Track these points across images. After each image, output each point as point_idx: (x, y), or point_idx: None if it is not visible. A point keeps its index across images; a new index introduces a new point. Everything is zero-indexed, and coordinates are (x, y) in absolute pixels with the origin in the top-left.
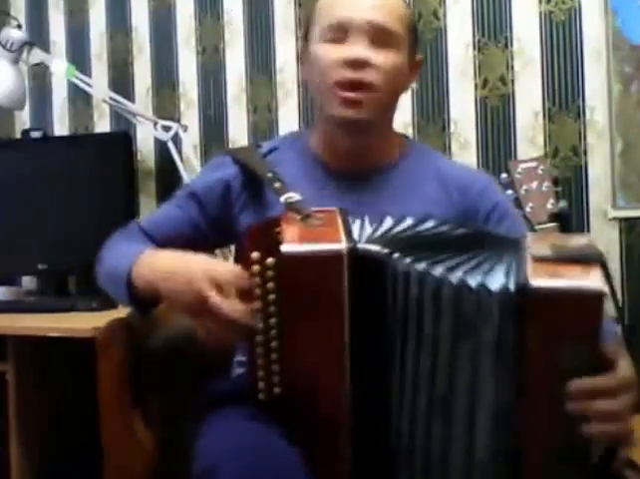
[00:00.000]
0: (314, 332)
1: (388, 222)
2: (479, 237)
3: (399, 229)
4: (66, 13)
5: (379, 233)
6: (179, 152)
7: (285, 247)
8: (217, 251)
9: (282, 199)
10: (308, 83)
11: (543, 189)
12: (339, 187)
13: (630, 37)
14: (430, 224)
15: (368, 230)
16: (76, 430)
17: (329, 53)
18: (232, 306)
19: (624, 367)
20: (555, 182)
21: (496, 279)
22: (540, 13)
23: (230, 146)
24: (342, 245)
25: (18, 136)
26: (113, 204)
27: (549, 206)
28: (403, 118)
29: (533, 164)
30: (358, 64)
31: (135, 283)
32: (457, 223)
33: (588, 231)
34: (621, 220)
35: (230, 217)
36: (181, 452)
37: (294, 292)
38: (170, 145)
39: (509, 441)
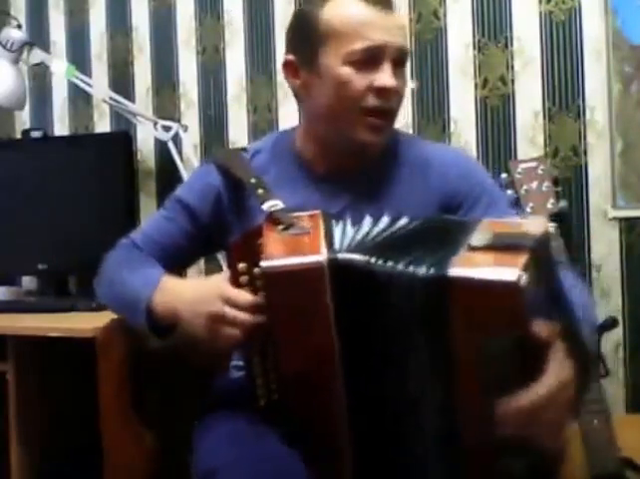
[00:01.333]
0: (303, 341)
1: (367, 223)
2: (439, 227)
3: (376, 230)
4: (66, 13)
5: (359, 237)
6: (180, 152)
7: (265, 263)
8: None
9: (265, 207)
10: (307, 96)
11: (543, 189)
12: (324, 189)
13: (630, 37)
14: (403, 221)
15: (349, 234)
16: (76, 430)
17: (357, 79)
18: (243, 317)
19: (556, 366)
20: (555, 182)
21: (421, 270)
22: (540, 13)
23: (230, 146)
24: (322, 257)
25: (18, 136)
26: (113, 204)
27: (549, 206)
28: (403, 118)
29: (533, 164)
30: (388, 92)
31: (154, 311)
32: (425, 218)
33: (588, 231)
34: (621, 220)
35: (223, 224)
36: (182, 452)
37: (280, 304)
38: (171, 145)
39: (452, 428)
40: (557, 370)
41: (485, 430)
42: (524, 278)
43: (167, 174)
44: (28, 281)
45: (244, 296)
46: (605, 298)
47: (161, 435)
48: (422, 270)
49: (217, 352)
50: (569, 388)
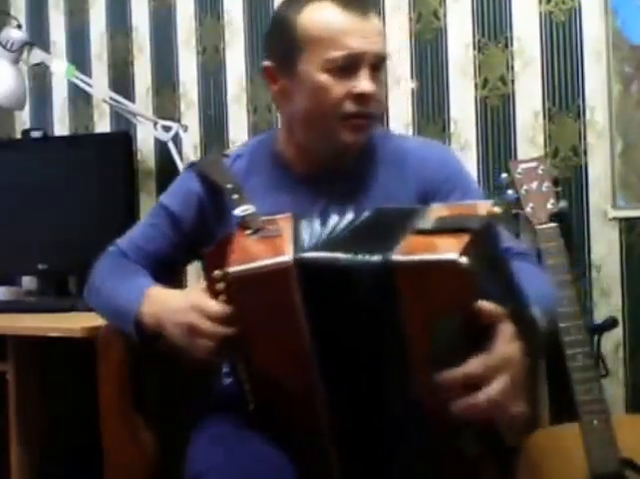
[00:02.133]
0: (277, 342)
1: (332, 221)
2: (393, 217)
3: (340, 226)
4: (66, 13)
5: (324, 235)
6: (180, 152)
7: (232, 268)
8: None
9: (237, 212)
10: (286, 101)
11: (543, 189)
12: (306, 191)
13: (630, 37)
14: (365, 214)
15: (316, 233)
16: (76, 430)
17: (335, 85)
18: (216, 328)
19: (502, 342)
20: (555, 182)
21: (368, 257)
22: (540, 13)
23: (231, 146)
24: (287, 257)
25: (18, 136)
26: (113, 204)
27: (549, 206)
28: (403, 118)
29: (533, 164)
30: (367, 98)
31: (142, 321)
32: (382, 208)
33: (588, 231)
34: (621, 220)
35: (207, 231)
36: (181, 452)
37: (252, 307)
38: (171, 145)
39: (414, 406)
40: (503, 346)
41: (441, 406)
42: (464, 258)
43: (167, 174)
44: (28, 281)
45: (215, 307)
46: (605, 298)
47: (161, 435)
48: (372, 258)
49: (198, 361)
50: (514, 366)
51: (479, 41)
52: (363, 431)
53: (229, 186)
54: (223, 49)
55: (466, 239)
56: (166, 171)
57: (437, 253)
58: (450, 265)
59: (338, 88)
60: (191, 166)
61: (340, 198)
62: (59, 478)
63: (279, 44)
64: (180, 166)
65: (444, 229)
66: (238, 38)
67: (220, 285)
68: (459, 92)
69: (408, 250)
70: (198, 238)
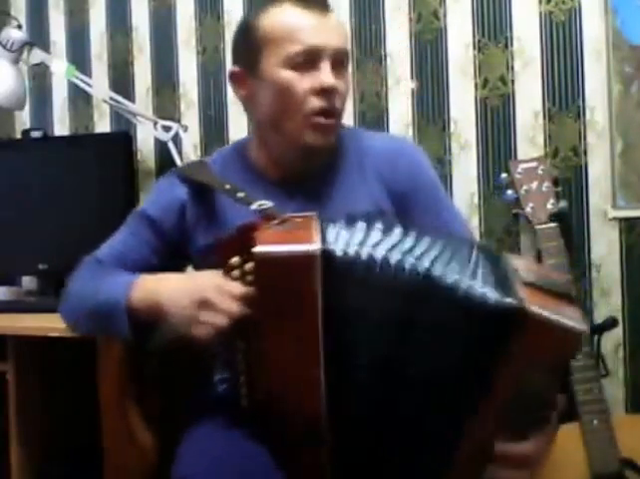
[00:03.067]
0: (289, 332)
1: (360, 226)
2: (457, 246)
3: (370, 232)
4: (66, 13)
5: (353, 237)
6: (180, 152)
7: (258, 248)
8: None
9: (254, 207)
10: (254, 105)
11: (543, 189)
12: (277, 195)
13: (630, 37)
14: (399, 229)
15: (343, 234)
16: (76, 430)
17: (298, 81)
18: (232, 306)
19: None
20: (555, 182)
21: (488, 292)
22: (540, 13)
23: None
24: (316, 246)
25: (18, 136)
26: (113, 204)
27: (549, 206)
28: (403, 118)
29: (533, 164)
30: (331, 92)
31: (135, 309)
32: (424, 230)
33: (588, 231)
34: (621, 220)
35: (186, 236)
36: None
37: (269, 292)
38: (171, 145)
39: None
40: (552, 434)
41: (479, 460)
42: (585, 328)
43: None
44: (28, 281)
45: (237, 287)
46: (605, 298)
47: (161, 435)
48: (493, 296)
49: (196, 344)
50: (548, 451)
51: (479, 41)
52: (364, 444)
53: (227, 186)
54: (223, 49)
55: (578, 306)
56: (166, 171)
57: (567, 318)
58: (576, 333)
59: (301, 83)
60: (172, 172)
61: (311, 200)
62: (59, 478)
63: (243, 48)
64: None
65: (554, 290)
66: None
67: (237, 272)
68: (459, 92)
69: (538, 304)
70: (179, 244)
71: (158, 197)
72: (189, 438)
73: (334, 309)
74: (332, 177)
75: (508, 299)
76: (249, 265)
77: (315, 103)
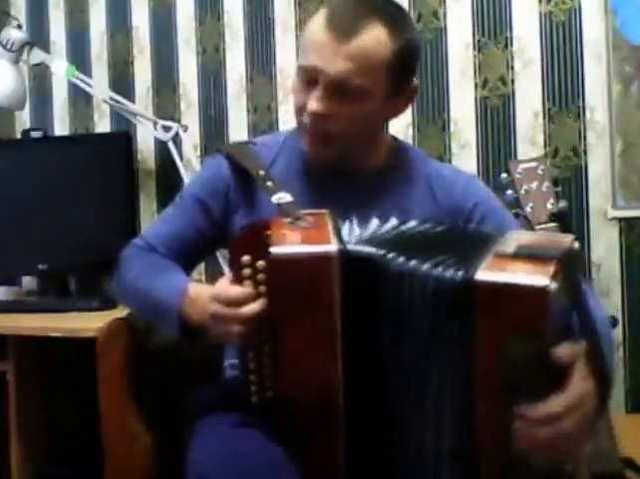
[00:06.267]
0: (306, 333)
1: (374, 223)
2: (456, 234)
3: (384, 229)
4: (66, 13)
5: (367, 234)
6: (180, 152)
7: (275, 249)
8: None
9: (274, 199)
10: None
11: (543, 189)
12: (325, 187)
13: (630, 37)
14: (412, 223)
15: (356, 231)
16: (76, 430)
17: (299, 92)
18: (236, 312)
19: (578, 381)
20: (555, 182)
21: (449, 272)
22: (540, 13)
23: None
24: (332, 247)
25: (18, 136)
26: (113, 203)
27: (549, 206)
28: (403, 118)
29: (533, 164)
30: (314, 116)
31: (187, 322)
32: (436, 221)
33: (588, 231)
34: (621, 220)
35: (229, 220)
36: (181, 452)
37: (285, 295)
38: (171, 145)
39: (466, 439)
40: (578, 386)
41: (499, 439)
42: (553, 286)
43: (167, 174)
44: (28, 281)
45: (231, 291)
46: (605, 298)
47: (161, 435)
48: (448, 272)
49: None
50: (588, 405)
51: (478, 41)
52: (378, 445)
53: (262, 172)
54: (223, 49)
55: (553, 267)
56: (166, 171)
57: (527, 278)
58: (539, 292)
59: (300, 96)
60: (220, 151)
61: (355, 200)
62: (59, 478)
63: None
64: (181, 166)
65: (528, 255)
66: (238, 38)
67: (247, 271)
68: (459, 92)
69: (494, 271)
70: (223, 227)
71: (205, 176)
72: (201, 432)
73: (352, 309)
74: (384, 184)
75: (459, 273)
76: (261, 263)
77: (305, 120)
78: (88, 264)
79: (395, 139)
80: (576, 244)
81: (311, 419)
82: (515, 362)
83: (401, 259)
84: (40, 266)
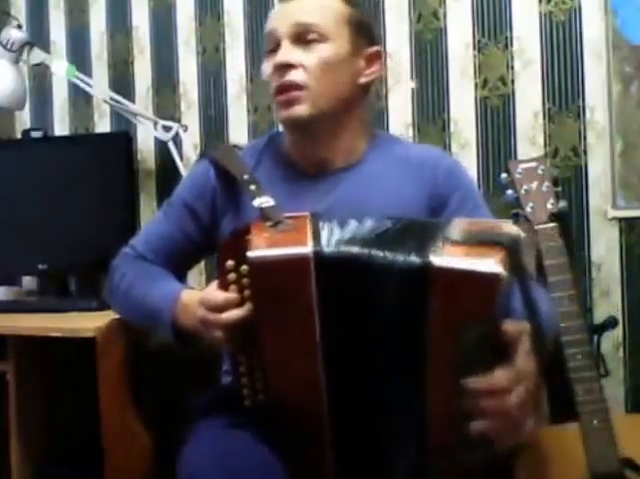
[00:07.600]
0: (287, 335)
1: (352, 223)
2: (420, 227)
3: (361, 229)
4: (66, 13)
5: (345, 234)
6: (180, 152)
7: (251, 254)
8: None
9: (256, 203)
10: None
11: (543, 189)
12: (310, 187)
13: (630, 37)
14: (386, 222)
15: (336, 232)
16: (76, 430)
17: (267, 65)
18: (219, 317)
19: (522, 357)
20: (555, 182)
21: (404, 259)
22: (540, 13)
23: None
24: (308, 249)
25: (18, 136)
26: (113, 204)
27: (549, 206)
28: (403, 118)
29: (533, 164)
30: (282, 68)
31: (180, 328)
32: (406, 218)
33: (588, 231)
34: (621, 220)
35: (218, 223)
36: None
37: (265, 298)
38: (171, 145)
39: (419, 421)
40: (521, 362)
41: (453, 421)
42: (504, 273)
43: (167, 174)
44: (28, 281)
45: (217, 297)
46: (605, 298)
47: (161, 435)
48: (401, 259)
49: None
50: (531, 380)
51: (479, 41)
52: (363, 435)
53: (245, 177)
54: (223, 49)
55: (501, 253)
56: (166, 171)
57: (476, 263)
58: (489, 277)
59: (267, 67)
60: (205, 155)
61: (345, 197)
62: (59, 478)
63: None
64: (180, 166)
65: (477, 241)
66: (238, 38)
67: (232, 276)
68: (459, 92)
69: (444, 257)
70: (210, 231)
71: (192, 181)
72: (195, 435)
73: (330, 308)
74: (371, 178)
75: (411, 259)
76: (244, 268)
77: (276, 80)
78: (88, 264)
79: (372, 130)
80: (522, 232)
81: (299, 420)
82: (467, 344)
83: (373, 255)
84: (40, 266)
